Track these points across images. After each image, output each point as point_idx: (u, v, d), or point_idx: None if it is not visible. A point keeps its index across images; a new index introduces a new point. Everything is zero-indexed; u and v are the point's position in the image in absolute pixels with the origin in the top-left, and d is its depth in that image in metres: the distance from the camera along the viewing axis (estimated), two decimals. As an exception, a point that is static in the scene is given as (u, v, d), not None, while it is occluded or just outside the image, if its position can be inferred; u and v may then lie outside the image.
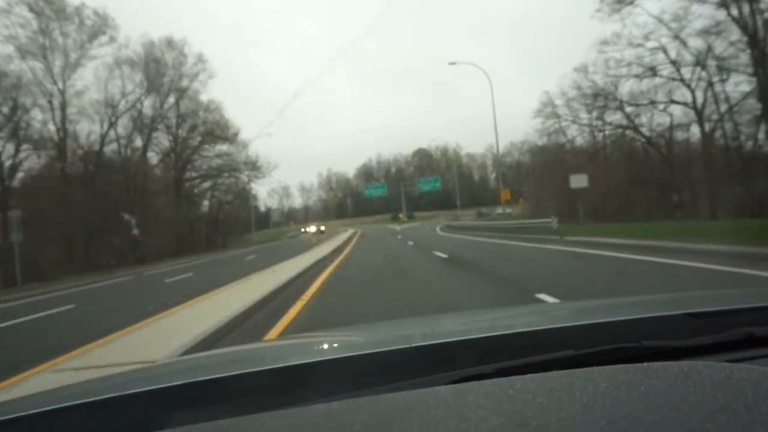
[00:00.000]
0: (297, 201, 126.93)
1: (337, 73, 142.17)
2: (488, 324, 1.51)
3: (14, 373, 4.46)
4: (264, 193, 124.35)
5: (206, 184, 42.74)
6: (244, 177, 45.30)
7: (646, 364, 0.78)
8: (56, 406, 0.90)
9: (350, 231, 51.30)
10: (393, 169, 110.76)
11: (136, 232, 30.90)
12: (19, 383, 4.12)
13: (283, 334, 5.58)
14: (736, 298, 1.55)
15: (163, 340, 5.32)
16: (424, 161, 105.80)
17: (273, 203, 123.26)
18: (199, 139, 40.43)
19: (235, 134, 42.15)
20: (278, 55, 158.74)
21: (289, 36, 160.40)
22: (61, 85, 31.01)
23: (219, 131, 40.56)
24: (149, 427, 0.85)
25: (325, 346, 1.42)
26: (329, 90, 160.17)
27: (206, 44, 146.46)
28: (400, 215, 79.67)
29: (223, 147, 42.01)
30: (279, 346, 1.74)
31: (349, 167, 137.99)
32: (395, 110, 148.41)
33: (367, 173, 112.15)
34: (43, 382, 3.97)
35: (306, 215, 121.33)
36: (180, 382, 0.97)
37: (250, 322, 6.45)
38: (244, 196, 47.60)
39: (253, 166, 44.60)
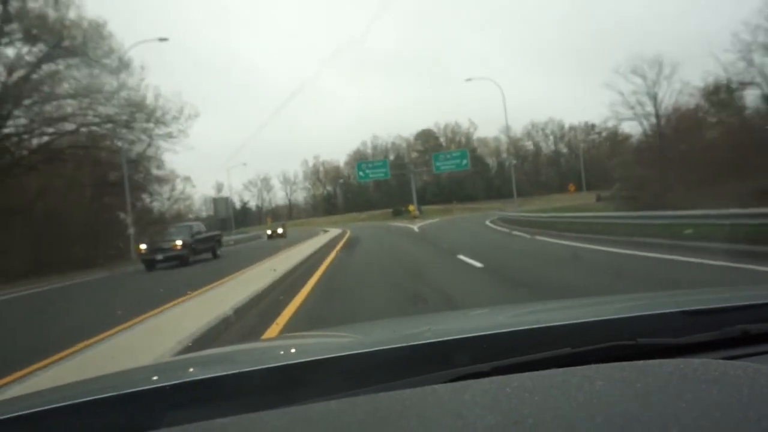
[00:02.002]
0: (279, 195, 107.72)
1: (327, 56, 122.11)
2: (485, 322, 1.50)
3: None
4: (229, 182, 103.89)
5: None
6: (124, 131, 23.01)
7: (642, 361, 0.79)
8: (54, 406, 0.89)
9: (333, 233, 32.48)
10: (392, 156, 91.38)
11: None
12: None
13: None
14: (731, 295, 1.55)
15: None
16: (431, 144, 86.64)
17: (251, 198, 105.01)
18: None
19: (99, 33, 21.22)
20: (268, 45, 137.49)
21: (281, 26, 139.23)
22: None
23: (73, 37, 20.13)
24: (147, 426, 0.85)
25: (323, 345, 1.43)
26: (317, 72, 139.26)
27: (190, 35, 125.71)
28: (410, 207, 54.64)
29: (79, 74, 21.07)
30: (277, 345, 1.73)
31: (339, 155, 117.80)
32: (391, 95, 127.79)
33: (360, 159, 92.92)
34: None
35: (290, 211, 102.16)
36: (178, 381, 0.95)
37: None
38: (142, 172, 24.62)
39: (150, 115, 23.18)
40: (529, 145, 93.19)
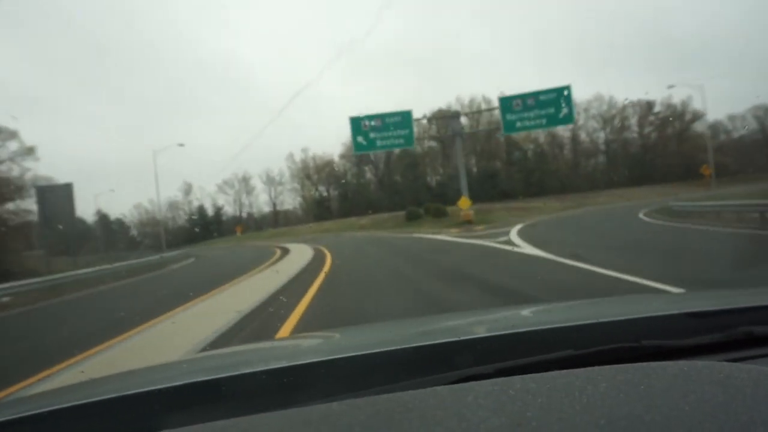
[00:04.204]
0: (263, 198, 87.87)
1: (326, 51, 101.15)
2: (488, 324, 1.45)
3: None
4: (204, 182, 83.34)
5: None
6: None
7: (645, 363, 0.78)
8: (56, 408, 0.89)
9: (282, 269, 13.03)
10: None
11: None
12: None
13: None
14: (735, 297, 1.51)
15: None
16: (450, 127, 66.67)
17: (226, 203, 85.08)
18: None
19: None
20: (256, 40, 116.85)
21: (278, 24, 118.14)
22: None
23: None
24: (149, 427, 0.84)
25: (325, 347, 1.39)
26: (307, 60, 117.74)
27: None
28: (462, 202, 29.29)
29: None
30: (279, 347, 1.66)
31: (333, 147, 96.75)
32: (396, 79, 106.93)
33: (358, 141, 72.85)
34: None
35: (275, 217, 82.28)
36: (180, 383, 0.95)
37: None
38: None
39: None
40: (565, 131, 73.12)
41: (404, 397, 0.72)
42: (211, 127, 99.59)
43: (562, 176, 63.67)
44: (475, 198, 54.65)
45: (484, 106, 65.24)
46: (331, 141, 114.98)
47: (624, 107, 70.82)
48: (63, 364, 5.35)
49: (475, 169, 61.92)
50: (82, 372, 4.85)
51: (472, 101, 65.49)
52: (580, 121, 72.85)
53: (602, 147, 71.28)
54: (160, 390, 0.92)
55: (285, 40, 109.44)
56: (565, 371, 0.79)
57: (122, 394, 0.91)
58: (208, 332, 5.90)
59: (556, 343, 1.02)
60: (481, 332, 1.11)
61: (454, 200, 51.75)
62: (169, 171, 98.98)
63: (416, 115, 26.35)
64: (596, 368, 0.78)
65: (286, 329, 5.76)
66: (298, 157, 79.62)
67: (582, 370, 0.77)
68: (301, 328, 5.78)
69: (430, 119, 67.51)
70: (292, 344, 1.67)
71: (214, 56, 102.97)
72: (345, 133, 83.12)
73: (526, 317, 1.56)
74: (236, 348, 2.10)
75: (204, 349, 5.16)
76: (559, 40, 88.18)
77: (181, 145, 39.17)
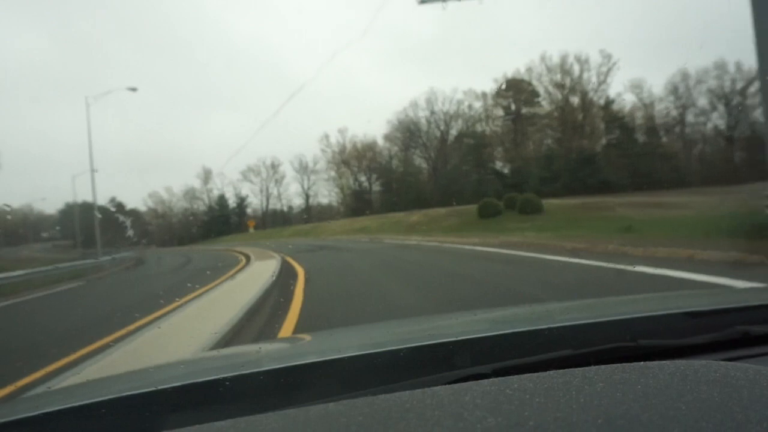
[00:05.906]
0: (294, 188, 75.61)
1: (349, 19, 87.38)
2: (486, 324, 1.46)
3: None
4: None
5: None
6: None
7: (642, 363, 0.79)
8: (52, 409, 0.89)
9: None
10: (454, 126, 57.23)
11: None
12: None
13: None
14: (732, 297, 1.47)
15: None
16: (522, 98, 51.66)
17: (252, 192, 73.10)
18: None
19: None
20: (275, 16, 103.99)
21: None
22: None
23: None
24: (148, 429, 0.87)
25: (323, 347, 1.40)
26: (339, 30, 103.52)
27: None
28: None
29: None
30: (276, 348, 1.69)
31: (376, 127, 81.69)
32: (443, 69, 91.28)
33: (407, 130, 58.79)
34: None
35: (308, 211, 69.70)
36: (178, 384, 0.95)
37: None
38: None
39: None
40: (672, 108, 56.69)
41: (402, 397, 0.72)
42: (239, 115, 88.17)
43: (678, 164, 47.50)
44: (568, 190, 39.86)
45: (577, 68, 49.89)
46: (373, 125, 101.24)
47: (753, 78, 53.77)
48: None
49: (553, 148, 46.91)
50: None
51: (563, 59, 50.13)
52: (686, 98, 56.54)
53: (724, 131, 54.71)
54: (158, 391, 0.91)
55: (316, 17, 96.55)
56: (562, 371, 0.79)
57: (121, 395, 0.90)
58: None
59: (553, 342, 1.02)
60: (479, 332, 1.10)
61: (537, 191, 36.67)
62: (190, 157, 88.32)
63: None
64: (593, 368, 0.77)
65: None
66: (335, 138, 66.64)
67: (579, 369, 0.77)
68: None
69: (498, 93, 52.68)
70: (291, 344, 1.68)
71: (240, 38, 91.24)
72: (390, 110, 68.77)
73: (524, 317, 1.55)
74: (235, 349, 2.08)
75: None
76: None
77: (133, 89, 26.41)
